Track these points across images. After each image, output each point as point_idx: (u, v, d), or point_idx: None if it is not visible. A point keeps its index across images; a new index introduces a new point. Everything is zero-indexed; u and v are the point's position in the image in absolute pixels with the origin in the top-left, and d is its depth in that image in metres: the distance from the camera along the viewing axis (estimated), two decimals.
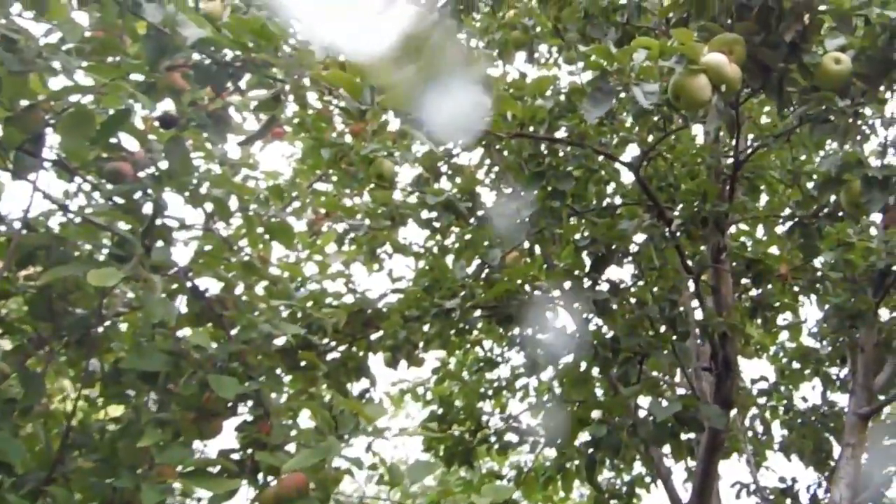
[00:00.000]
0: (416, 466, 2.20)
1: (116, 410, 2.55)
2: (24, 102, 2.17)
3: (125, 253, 2.03)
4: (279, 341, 2.79)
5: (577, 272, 3.74)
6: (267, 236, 2.82)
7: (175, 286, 2.29)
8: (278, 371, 2.65)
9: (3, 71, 2.06)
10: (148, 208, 2.33)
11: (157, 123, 2.27)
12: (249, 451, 2.09)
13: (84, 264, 1.94)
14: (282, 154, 5.01)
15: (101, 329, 2.30)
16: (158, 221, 2.26)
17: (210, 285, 2.45)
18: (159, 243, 2.23)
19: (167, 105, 2.40)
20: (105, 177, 2.33)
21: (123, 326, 2.65)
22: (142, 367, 2.00)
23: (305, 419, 2.41)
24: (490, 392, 5.10)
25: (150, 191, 2.32)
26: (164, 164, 2.42)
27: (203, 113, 2.46)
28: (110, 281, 1.80)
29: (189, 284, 2.27)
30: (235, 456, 2.13)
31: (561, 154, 3.84)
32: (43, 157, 2.25)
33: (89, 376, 2.30)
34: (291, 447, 2.07)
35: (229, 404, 2.13)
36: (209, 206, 2.60)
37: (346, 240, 3.72)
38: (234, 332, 2.38)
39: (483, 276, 3.80)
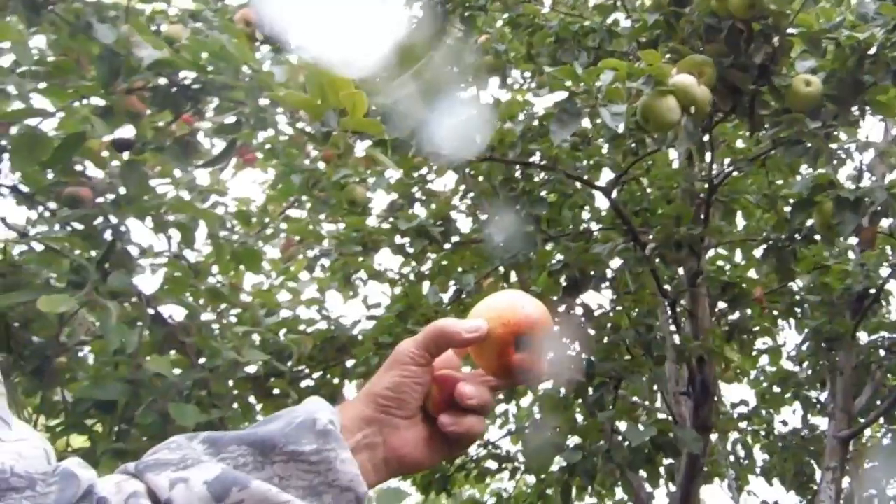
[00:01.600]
0: (386, 493, 2.14)
1: (79, 441, 2.48)
2: None
3: (81, 279, 1.98)
4: (250, 369, 2.74)
5: (552, 297, 3.70)
6: (236, 262, 2.78)
7: (137, 313, 2.23)
8: (250, 399, 2.59)
9: None
10: (108, 234, 2.28)
11: (113, 147, 2.23)
12: None
13: (40, 291, 1.88)
14: (254, 181, 4.97)
15: (63, 358, 2.24)
16: (118, 247, 2.21)
17: (176, 313, 2.41)
18: (118, 269, 2.17)
19: (128, 130, 2.37)
20: (63, 202, 2.28)
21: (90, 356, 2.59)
22: (98, 397, 1.94)
23: None
24: None
25: (110, 216, 2.28)
26: (123, 190, 2.39)
27: (165, 137, 2.42)
28: (61, 307, 1.74)
29: (151, 311, 2.21)
30: None
31: (535, 179, 3.83)
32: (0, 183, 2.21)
33: (49, 406, 2.23)
34: None
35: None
36: (174, 233, 2.57)
37: (318, 266, 3.67)
38: (200, 360, 2.33)
39: (458, 301, 3.76)
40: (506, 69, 4.80)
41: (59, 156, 2.09)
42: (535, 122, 3.45)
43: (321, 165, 3.87)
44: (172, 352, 2.28)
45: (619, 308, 3.99)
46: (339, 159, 3.16)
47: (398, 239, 3.69)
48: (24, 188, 2.30)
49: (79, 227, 2.22)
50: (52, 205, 2.41)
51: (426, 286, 4.11)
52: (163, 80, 2.30)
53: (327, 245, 3.57)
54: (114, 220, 2.28)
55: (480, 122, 3.27)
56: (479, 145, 3.30)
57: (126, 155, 2.20)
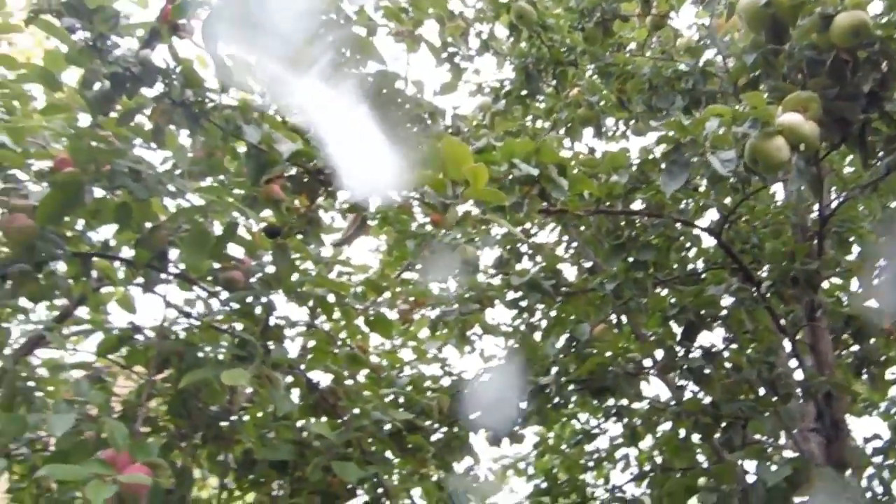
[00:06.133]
0: None
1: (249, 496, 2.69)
2: (148, 224, 2.40)
3: (246, 353, 2.19)
4: (387, 426, 2.90)
5: (668, 341, 3.75)
6: (366, 328, 2.97)
7: (292, 380, 2.43)
8: (388, 454, 2.75)
9: (131, 199, 2.29)
10: (258, 310, 2.51)
11: (263, 234, 2.46)
12: None
13: (214, 366, 2.10)
14: (368, 248, 5.22)
15: (228, 423, 2.46)
16: (271, 322, 2.43)
17: (319, 377, 2.60)
18: (273, 342, 2.39)
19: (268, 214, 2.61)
20: (221, 285, 2.53)
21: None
22: (273, 458, 2.13)
23: (418, 499, 2.49)
24: (591, 464, 5.06)
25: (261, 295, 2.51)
26: (269, 269, 2.62)
27: (299, 218, 2.66)
28: (241, 380, 1.95)
29: (304, 378, 2.41)
30: None
31: (639, 224, 3.90)
32: (169, 272, 2.47)
33: (225, 466, 2.44)
34: None
35: (349, 487, 2.23)
36: (311, 304, 2.78)
37: (440, 325, 3.84)
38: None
39: (573, 350, 3.84)
40: (599, 119, 4.92)
41: (219, 245, 2.33)
42: (635, 170, 3.54)
43: (429, 228, 4.06)
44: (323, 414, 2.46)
45: (733, 347, 3.99)
46: (458, 225, 3.33)
47: (510, 294, 3.82)
48: (188, 275, 2.55)
49: (235, 306, 2.45)
50: (207, 287, 2.66)
51: (537, 336, 4.21)
52: (297, 169, 2.54)
53: (448, 306, 3.73)
54: (264, 298, 2.50)
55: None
56: (582, 200, 3.42)
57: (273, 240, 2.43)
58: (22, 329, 2.95)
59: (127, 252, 2.61)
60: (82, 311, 3.13)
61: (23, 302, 2.58)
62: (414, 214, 4.17)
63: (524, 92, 4.93)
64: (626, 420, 4.57)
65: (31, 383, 2.37)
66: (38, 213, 2.21)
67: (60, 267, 2.63)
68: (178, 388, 2.18)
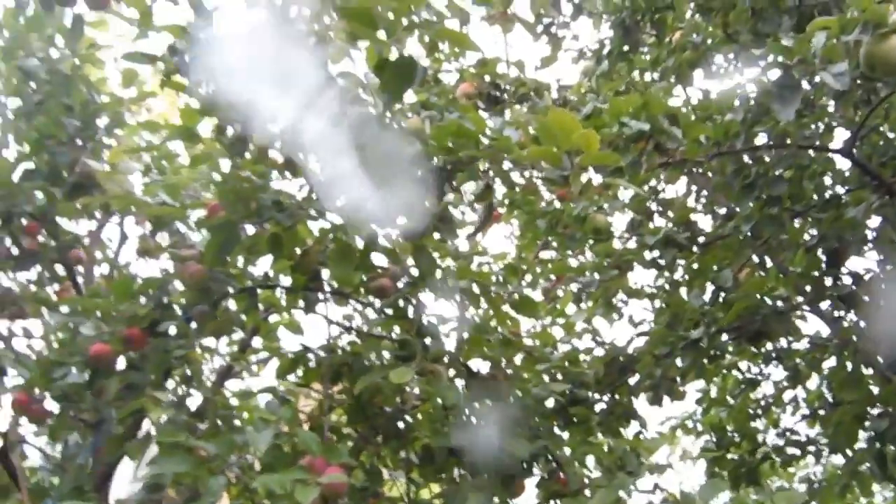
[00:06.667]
0: (705, 487, 2.29)
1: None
2: (297, 250, 2.63)
3: (407, 353, 2.37)
4: (549, 403, 3.02)
5: (814, 273, 3.66)
6: (513, 312, 3.09)
7: (454, 372, 2.59)
8: (555, 429, 2.87)
9: (279, 229, 2.52)
10: (411, 312, 2.69)
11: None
12: (552, 502, 2.31)
13: (380, 370, 2.29)
14: (502, 235, 5.35)
15: (404, 421, 2.66)
16: (424, 320, 2.60)
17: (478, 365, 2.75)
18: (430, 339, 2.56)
19: None
20: (372, 294, 2.73)
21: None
22: (448, 444, 2.30)
23: (591, 466, 2.60)
24: (759, 411, 4.99)
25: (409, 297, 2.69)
26: (414, 271, 2.79)
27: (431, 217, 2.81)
28: (406, 377, 2.12)
29: (465, 368, 2.57)
30: None
31: (766, 159, 3.82)
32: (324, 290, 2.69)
33: (408, 462, 2.65)
34: (587, 492, 2.27)
35: (524, 465, 2.37)
36: (458, 298, 2.93)
37: (583, 296, 3.92)
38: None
39: (719, 299, 3.81)
40: (707, 58, 4.81)
41: (364, 256, 2.52)
42: (752, 104, 3.47)
43: (557, 205, 4.13)
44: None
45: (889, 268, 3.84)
46: (580, 195, 3.40)
47: (647, 255, 3.84)
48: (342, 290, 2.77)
49: (389, 312, 2.63)
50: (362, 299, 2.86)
51: (683, 292, 4.20)
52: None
53: (588, 276, 3.80)
54: (413, 300, 2.68)
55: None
56: (700, 145, 3.39)
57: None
58: (210, 366, 3.27)
59: (284, 279, 2.86)
60: (256, 341, 3.43)
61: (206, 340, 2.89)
62: (540, 193, 4.25)
63: (625, 48, 4.89)
64: (787, 362, 4.50)
65: (227, 410, 2.64)
66: (205, 257, 2.46)
67: (232, 304, 2.92)
68: (354, 395, 2.38)
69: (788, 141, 3.53)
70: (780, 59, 2.64)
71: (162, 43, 2.39)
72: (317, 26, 2.18)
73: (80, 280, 3.60)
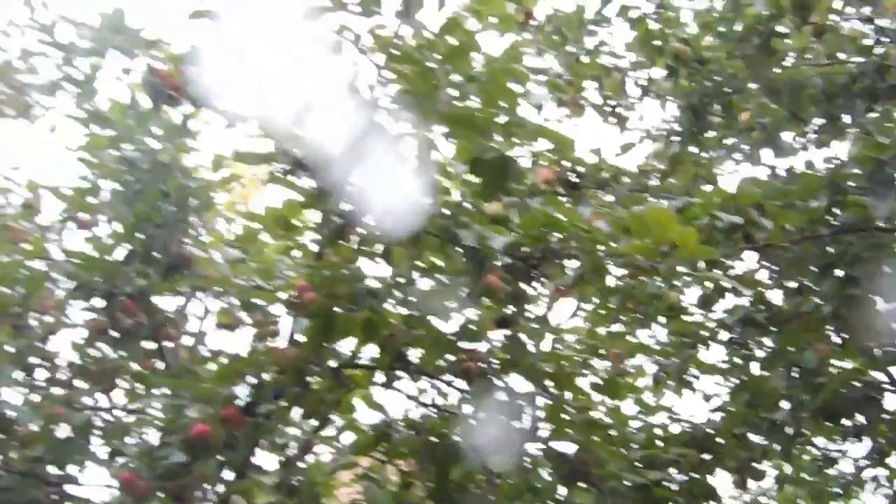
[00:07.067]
0: None
1: None
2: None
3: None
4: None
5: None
6: (593, 392, 3.12)
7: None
8: None
9: (371, 314, 2.61)
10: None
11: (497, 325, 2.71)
12: None
13: (475, 455, 2.33)
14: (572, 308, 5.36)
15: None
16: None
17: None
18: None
19: None
20: (458, 375, 2.79)
21: None
22: None
23: None
24: (839, 489, 4.86)
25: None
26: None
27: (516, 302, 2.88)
28: (507, 467, 2.16)
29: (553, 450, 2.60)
30: None
31: (844, 239, 3.78)
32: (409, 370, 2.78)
33: None
34: None
35: None
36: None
37: (660, 377, 3.91)
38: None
39: (801, 379, 3.75)
40: (775, 138, 4.85)
41: (453, 343, 2.59)
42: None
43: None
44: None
45: None
46: (663, 275, 3.43)
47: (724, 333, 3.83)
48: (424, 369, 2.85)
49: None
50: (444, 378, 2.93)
51: (755, 366, 4.15)
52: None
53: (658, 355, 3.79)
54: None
55: None
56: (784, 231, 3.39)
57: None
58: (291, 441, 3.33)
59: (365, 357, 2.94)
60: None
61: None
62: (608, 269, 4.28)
63: (694, 129, 4.96)
64: (870, 438, 4.38)
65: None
66: (307, 343, 2.57)
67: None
68: (446, 478, 2.42)
69: (867, 223, 3.51)
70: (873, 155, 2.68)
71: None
72: (415, 129, 2.30)
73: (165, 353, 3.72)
